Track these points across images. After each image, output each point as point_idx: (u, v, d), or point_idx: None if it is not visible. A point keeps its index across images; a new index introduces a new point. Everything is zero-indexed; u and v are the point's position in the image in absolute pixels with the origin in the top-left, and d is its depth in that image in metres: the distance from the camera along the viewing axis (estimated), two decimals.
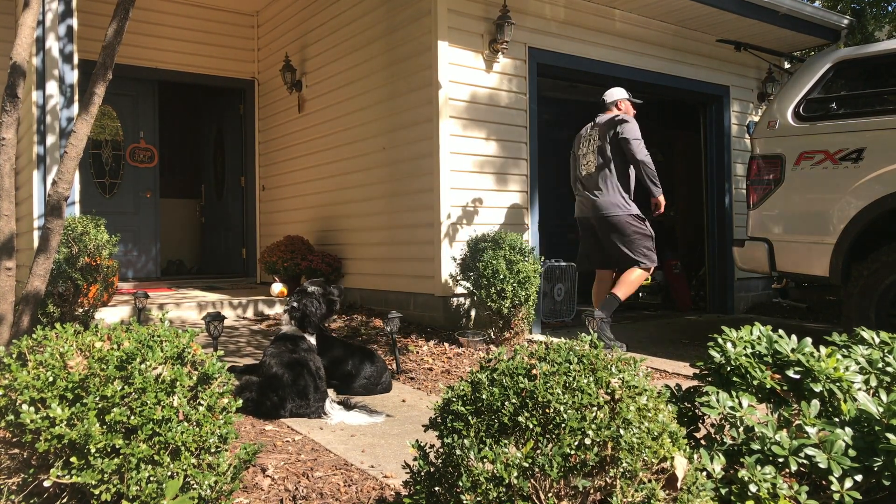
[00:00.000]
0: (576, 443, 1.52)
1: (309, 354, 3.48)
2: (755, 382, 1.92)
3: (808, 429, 1.75)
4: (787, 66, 7.77)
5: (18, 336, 2.58)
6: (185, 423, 1.76)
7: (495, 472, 1.50)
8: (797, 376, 1.92)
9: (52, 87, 4.67)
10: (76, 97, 4.76)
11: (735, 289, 7.46)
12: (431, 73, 5.47)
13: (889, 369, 2.03)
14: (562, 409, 1.56)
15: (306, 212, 7.41)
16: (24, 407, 1.70)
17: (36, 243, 4.19)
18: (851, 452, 1.69)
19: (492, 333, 5.07)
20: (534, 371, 1.67)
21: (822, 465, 1.68)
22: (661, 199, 5.04)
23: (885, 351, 2.14)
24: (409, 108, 5.77)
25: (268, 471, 2.54)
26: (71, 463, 1.67)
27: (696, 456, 1.69)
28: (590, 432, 1.52)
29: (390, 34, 5.99)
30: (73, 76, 4.77)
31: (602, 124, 5.10)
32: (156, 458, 1.69)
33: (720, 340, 2.03)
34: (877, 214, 4.27)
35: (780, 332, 2.07)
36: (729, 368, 1.96)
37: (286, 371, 3.33)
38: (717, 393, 1.86)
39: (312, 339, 3.65)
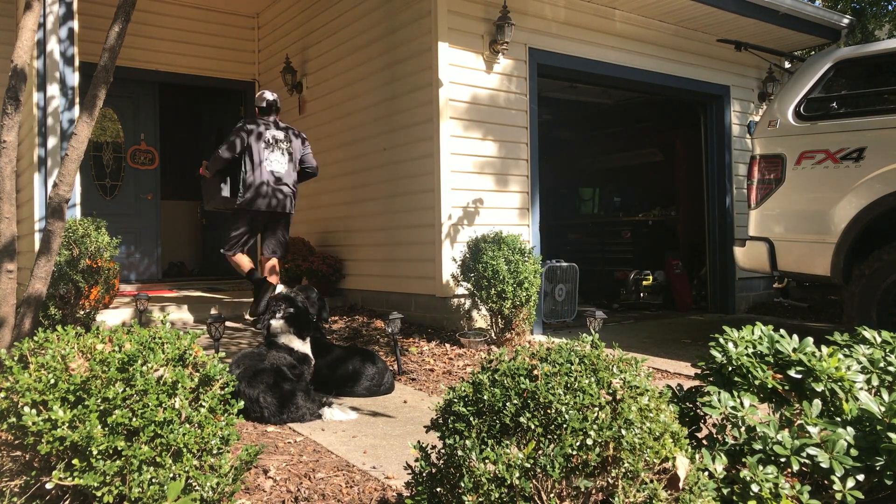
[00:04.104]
0: (577, 443, 1.52)
1: (280, 359, 3.47)
2: (757, 382, 1.92)
3: (809, 428, 1.75)
4: (787, 65, 7.76)
5: (20, 338, 2.58)
6: (187, 425, 1.76)
7: (497, 472, 1.50)
8: (799, 376, 1.92)
9: (53, 89, 4.67)
10: (77, 99, 4.77)
11: (736, 288, 7.46)
12: (432, 73, 5.47)
13: (891, 369, 2.03)
14: (563, 409, 1.56)
15: (307, 213, 7.41)
16: (26, 409, 1.71)
17: (37, 245, 4.19)
18: (853, 452, 1.69)
19: (493, 334, 5.07)
20: (535, 372, 1.67)
21: (824, 465, 1.68)
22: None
23: (887, 350, 2.14)
24: (409, 108, 5.77)
25: (269, 472, 2.54)
26: (73, 465, 1.67)
27: (697, 456, 1.69)
28: (591, 433, 1.52)
29: (390, 35, 5.99)
30: (74, 79, 4.77)
31: (289, 129, 5.52)
32: (158, 459, 1.70)
33: (721, 340, 2.03)
34: (878, 213, 4.27)
35: (782, 331, 2.07)
36: (730, 368, 1.96)
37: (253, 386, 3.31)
38: (719, 393, 1.86)
39: (297, 344, 3.65)
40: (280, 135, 5.42)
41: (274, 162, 5.34)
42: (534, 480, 1.50)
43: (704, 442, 1.88)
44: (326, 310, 4.08)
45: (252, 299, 5.76)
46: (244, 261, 5.55)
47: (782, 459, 1.70)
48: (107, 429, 1.70)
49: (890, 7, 11.25)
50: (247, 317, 5.80)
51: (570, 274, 6.10)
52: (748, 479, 1.66)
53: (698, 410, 1.99)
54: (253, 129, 5.37)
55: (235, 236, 5.45)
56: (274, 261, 5.57)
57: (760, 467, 1.68)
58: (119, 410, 1.71)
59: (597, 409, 1.58)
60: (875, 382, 1.99)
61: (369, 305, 6.34)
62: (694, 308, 7.65)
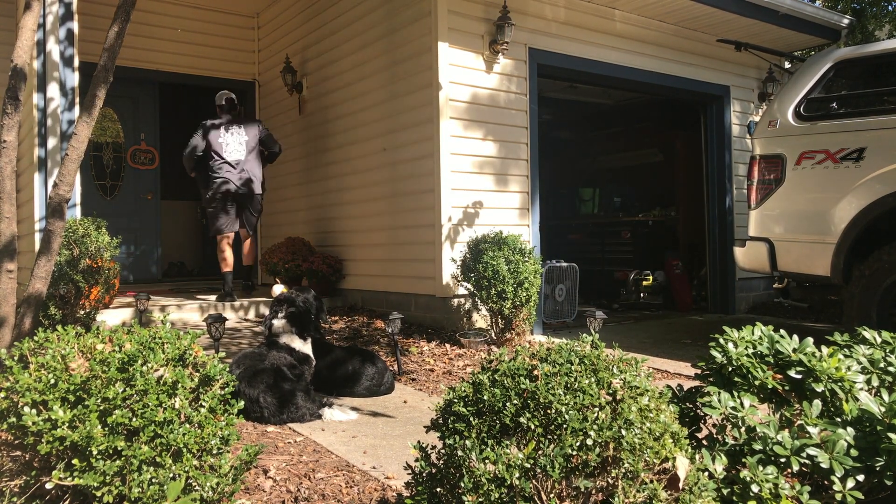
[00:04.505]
0: (577, 443, 1.52)
1: (280, 360, 3.47)
2: (757, 382, 1.92)
3: (809, 429, 1.75)
4: (787, 65, 7.77)
5: (20, 338, 2.58)
6: (187, 425, 1.76)
7: (497, 472, 1.50)
8: (799, 376, 1.92)
9: (52, 89, 4.67)
10: (77, 100, 4.77)
11: (736, 289, 7.46)
12: (432, 73, 5.47)
13: (891, 369, 2.03)
14: (563, 409, 1.56)
15: (307, 213, 7.41)
16: (26, 409, 1.71)
17: (37, 245, 4.19)
18: (853, 452, 1.69)
19: (493, 334, 5.07)
20: (535, 372, 1.67)
21: (824, 465, 1.68)
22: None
23: (887, 351, 2.14)
24: (409, 108, 5.77)
25: (269, 472, 2.54)
26: (73, 465, 1.67)
27: (697, 456, 1.69)
28: (591, 433, 1.52)
29: (391, 35, 5.99)
30: (73, 79, 4.77)
31: (246, 119, 6.55)
32: (158, 459, 1.70)
33: (721, 340, 2.03)
34: (878, 214, 4.27)
35: (782, 331, 2.07)
36: (730, 368, 1.96)
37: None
38: (719, 393, 1.86)
39: (298, 344, 3.65)
40: (236, 127, 6.28)
41: (234, 152, 6.21)
42: (534, 481, 1.50)
43: (704, 442, 1.88)
44: (324, 311, 4.08)
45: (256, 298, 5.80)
46: (229, 257, 6.40)
47: (782, 460, 1.70)
48: (107, 429, 1.70)
49: (890, 7, 11.25)
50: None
51: (570, 274, 6.10)
52: (748, 479, 1.66)
53: (698, 411, 1.99)
54: (211, 125, 6.26)
55: (217, 220, 6.33)
56: (249, 241, 6.58)
57: (760, 467, 1.68)
58: (119, 410, 1.71)
59: (597, 409, 1.58)
60: (875, 383, 1.99)
61: (369, 305, 6.34)
62: (694, 308, 7.65)
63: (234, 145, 6.22)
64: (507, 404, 1.60)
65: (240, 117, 6.50)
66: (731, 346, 2.00)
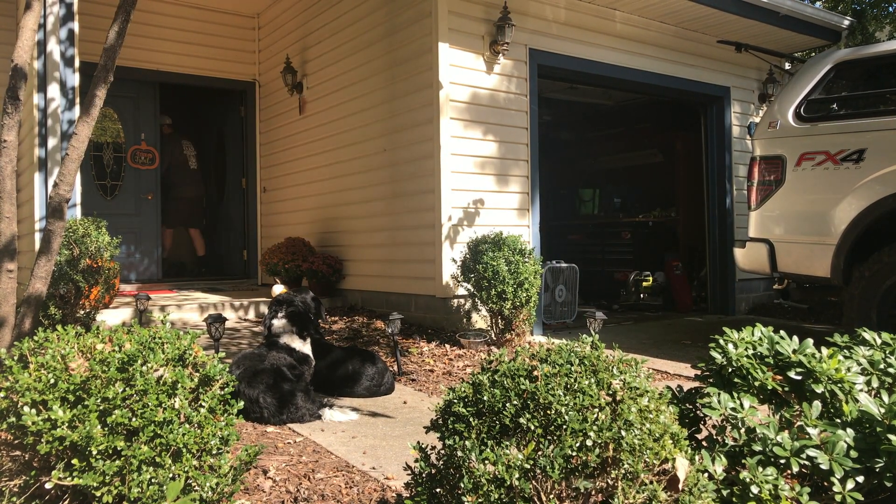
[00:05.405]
0: (577, 444, 1.52)
1: (279, 360, 3.48)
2: (756, 383, 1.92)
3: (809, 430, 1.75)
4: (787, 66, 7.77)
5: (20, 338, 2.58)
6: (187, 425, 1.76)
7: (497, 473, 1.50)
8: (799, 377, 1.92)
9: (53, 89, 4.67)
10: (77, 99, 4.76)
11: (736, 290, 7.46)
12: (432, 74, 5.47)
13: (891, 370, 2.03)
14: (563, 410, 1.56)
15: (307, 213, 7.41)
16: (26, 409, 1.71)
17: (37, 245, 4.19)
18: (853, 453, 1.69)
19: (493, 335, 5.07)
20: (535, 372, 1.67)
21: (823, 467, 1.67)
22: None
23: (887, 352, 2.14)
24: (409, 109, 5.77)
25: (269, 472, 2.54)
26: (72, 465, 1.67)
27: (697, 457, 1.69)
28: (591, 434, 1.52)
29: (391, 36, 6.00)
30: (74, 79, 4.77)
31: (189, 139, 8.73)
32: (157, 459, 1.70)
33: (721, 341, 2.02)
34: (878, 215, 4.27)
35: (782, 332, 2.06)
36: (730, 369, 1.96)
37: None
38: (719, 394, 1.86)
39: (298, 344, 3.65)
40: (185, 142, 8.46)
41: (187, 163, 8.55)
42: (533, 481, 1.50)
43: (704, 443, 1.88)
44: (323, 311, 4.08)
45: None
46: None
47: (782, 461, 1.70)
48: (106, 429, 1.70)
49: (890, 9, 11.26)
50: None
51: (570, 275, 6.10)
52: (748, 480, 1.65)
53: (698, 412, 1.99)
54: (167, 143, 8.18)
55: (189, 218, 8.77)
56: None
57: (760, 469, 1.68)
58: (119, 410, 1.71)
59: (597, 410, 1.58)
60: (875, 384, 1.99)
61: (369, 306, 6.34)
62: (694, 309, 7.65)
63: (190, 158, 8.44)
64: (507, 405, 1.60)
65: (185, 135, 8.59)
66: (730, 347, 2.00)
